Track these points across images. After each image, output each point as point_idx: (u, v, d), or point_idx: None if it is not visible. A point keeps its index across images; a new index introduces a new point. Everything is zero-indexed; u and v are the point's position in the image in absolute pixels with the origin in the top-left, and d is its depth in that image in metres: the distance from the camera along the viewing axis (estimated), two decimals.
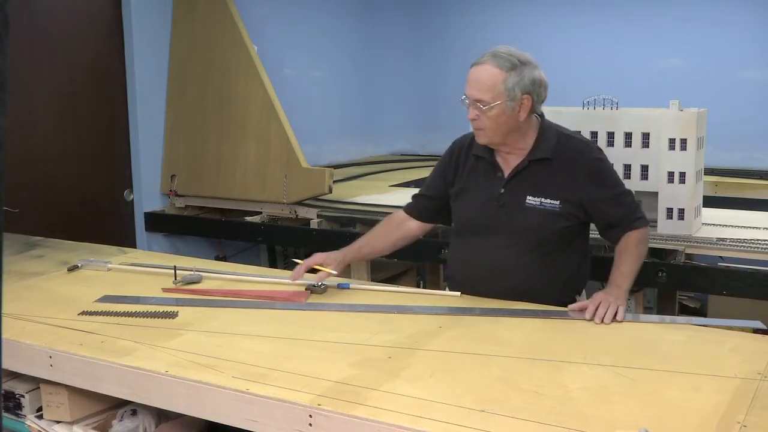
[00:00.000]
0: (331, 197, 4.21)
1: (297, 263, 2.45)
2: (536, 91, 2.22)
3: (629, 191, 2.36)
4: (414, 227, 2.56)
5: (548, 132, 2.30)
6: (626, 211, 2.29)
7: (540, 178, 2.26)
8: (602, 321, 2.08)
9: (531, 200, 2.26)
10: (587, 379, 1.71)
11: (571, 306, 2.20)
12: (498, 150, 2.33)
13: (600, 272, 2.54)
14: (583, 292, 2.45)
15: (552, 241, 2.28)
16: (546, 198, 2.25)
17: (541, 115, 2.33)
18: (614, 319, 2.09)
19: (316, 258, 2.43)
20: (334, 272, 2.42)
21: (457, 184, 2.41)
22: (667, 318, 2.40)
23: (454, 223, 2.49)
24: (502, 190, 2.29)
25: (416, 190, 2.70)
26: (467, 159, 2.39)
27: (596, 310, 2.11)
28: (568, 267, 2.35)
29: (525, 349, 1.90)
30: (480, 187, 2.34)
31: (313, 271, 2.45)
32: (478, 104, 2.20)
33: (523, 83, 2.19)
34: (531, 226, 2.26)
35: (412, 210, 2.57)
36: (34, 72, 3.99)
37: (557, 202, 2.24)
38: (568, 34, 5.75)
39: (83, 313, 2.23)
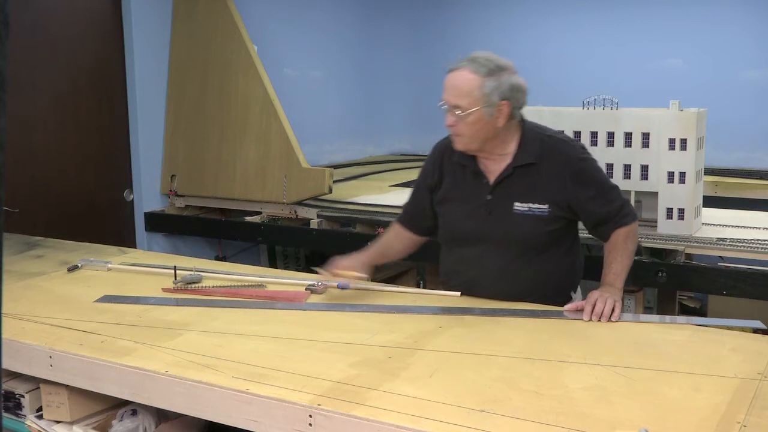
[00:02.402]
0: (331, 197, 4.21)
1: (317, 272, 2.42)
2: (515, 97, 2.16)
3: (615, 187, 2.32)
4: (416, 236, 2.51)
5: (530, 136, 2.25)
6: (613, 208, 2.26)
7: (526, 183, 2.22)
8: (600, 318, 2.09)
9: (519, 207, 2.22)
10: (587, 379, 1.71)
11: (567, 306, 2.20)
12: (478, 156, 2.28)
13: (593, 272, 2.51)
14: (579, 289, 2.44)
15: (542, 244, 2.25)
16: (534, 203, 2.21)
17: (522, 119, 2.28)
18: (612, 314, 2.10)
19: (343, 263, 2.37)
20: (364, 276, 2.37)
21: (441, 190, 2.36)
22: (667, 318, 2.40)
23: (441, 232, 2.43)
24: (489, 197, 2.25)
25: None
26: (450, 165, 2.33)
27: (593, 308, 2.11)
28: (560, 267, 2.34)
29: (525, 349, 1.90)
30: (465, 195, 2.30)
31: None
32: (455, 110, 2.16)
33: (502, 89, 2.13)
34: (520, 234, 2.23)
35: (406, 225, 2.51)
36: (34, 72, 4.00)
37: (546, 206, 2.21)
38: (567, 34, 5.75)
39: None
